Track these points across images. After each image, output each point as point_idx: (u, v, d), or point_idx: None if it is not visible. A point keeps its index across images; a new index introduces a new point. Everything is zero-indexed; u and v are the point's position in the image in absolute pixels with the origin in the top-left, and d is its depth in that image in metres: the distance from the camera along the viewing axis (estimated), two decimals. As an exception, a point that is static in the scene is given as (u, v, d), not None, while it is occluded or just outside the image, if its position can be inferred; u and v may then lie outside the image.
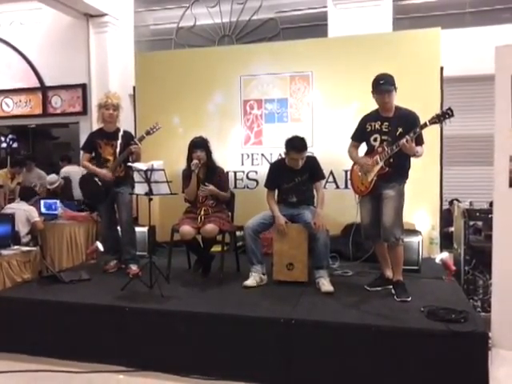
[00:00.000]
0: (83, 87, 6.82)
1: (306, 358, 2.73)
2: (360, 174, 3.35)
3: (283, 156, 3.71)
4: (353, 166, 3.47)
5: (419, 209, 4.38)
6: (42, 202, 5.37)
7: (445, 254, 3.79)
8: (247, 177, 4.96)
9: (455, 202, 4.52)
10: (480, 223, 4.06)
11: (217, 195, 3.78)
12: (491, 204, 3.84)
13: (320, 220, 3.46)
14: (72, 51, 6.78)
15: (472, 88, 5.52)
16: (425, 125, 3.04)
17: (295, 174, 3.63)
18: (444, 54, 4.39)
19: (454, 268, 3.66)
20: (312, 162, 3.70)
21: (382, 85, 3.14)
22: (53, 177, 6.00)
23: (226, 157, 4.84)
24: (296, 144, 3.53)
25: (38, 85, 7.08)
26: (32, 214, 4.69)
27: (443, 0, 5.72)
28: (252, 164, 4.96)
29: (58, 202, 5.31)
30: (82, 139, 4.23)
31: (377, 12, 5.67)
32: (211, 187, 3.72)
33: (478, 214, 3.83)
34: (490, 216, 3.35)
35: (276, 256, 3.59)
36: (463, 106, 5.12)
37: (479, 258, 3.72)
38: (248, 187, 4.94)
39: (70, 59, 6.78)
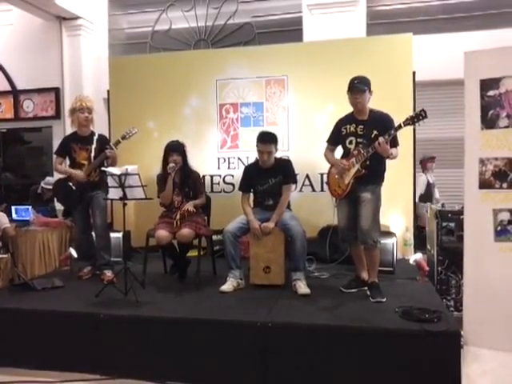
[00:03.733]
0: (56, 91, 6.69)
1: (283, 361, 2.73)
2: (337, 176, 3.38)
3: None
4: (330, 170, 3.50)
5: (393, 211, 4.44)
6: (13, 208, 5.25)
7: (418, 255, 3.86)
8: (224, 181, 4.95)
9: (428, 204, 4.61)
10: (452, 224, 4.15)
11: (196, 206, 3.75)
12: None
13: (266, 226, 3.49)
14: (44, 54, 6.63)
15: (442, 92, 5.65)
16: (399, 126, 3.09)
17: (268, 176, 3.65)
18: (416, 59, 4.48)
19: (427, 269, 3.73)
20: (285, 165, 3.72)
21: (356, 84, 3.20)
22: (52, 179, 5.91)
23: (202, 161, 4.83)
24: (262, 136, 3.63)
25: (9, 88, 6.91)
26: (2, 220, 4.57)
27: (415, 7, 5.84)
28: (228, 168, 4.96)
29: (29, 207, 5.19)
30: (55, 144, 4.15)
31: (351, 17, 5.74)
32: (189, 205, 3.68)
33: (450, 215, 3.91)
34: (461, 217, 3.43)
35: (253, 259, 3.59)
36: (434, 110, 5.22)
37: (452, 258, 3.80)
38: (225, 191, 4.94)
39: (42, 62, 6.63)
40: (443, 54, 5.23)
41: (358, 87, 3.19)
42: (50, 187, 5.83)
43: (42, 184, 5.91)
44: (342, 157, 3.39)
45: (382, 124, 3.18)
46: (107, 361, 2.95)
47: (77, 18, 6.52)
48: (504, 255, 2.91)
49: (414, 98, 4.46)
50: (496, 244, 2.94)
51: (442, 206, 4.10)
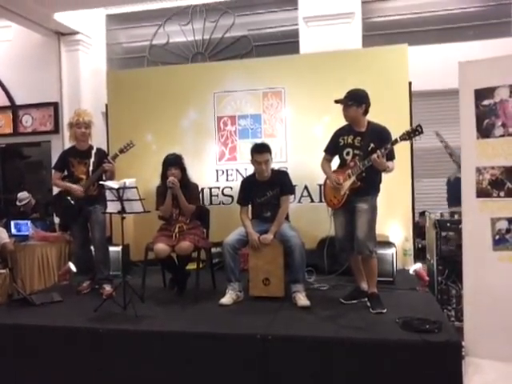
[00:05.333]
0: (55, 105, 6.72)
1: (283, 374, 2.71)
2: (333, 187, 3.40)
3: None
4: (326, 180, 3.52)
5: (392, 221, 4.44)
6: (13, 222, 5.25)
7: (418, 265, 3.85)
8: (222, 193, 4.96)
9: (426, 213, 4.60)
10: (452, 233, 4.14)
11: (179, 197, 3.67)
12: (452, 214, 3.97)
13: (265, 238, 3.49)
14: (43, 69, 6.67)
15: (439, 102, 5.68)
16: (395, 141, 3.12)
17: (267, 188, 3.66)
18: (411, 69, 4.51)
19: (427, 279, 3.72)
20: (282, 176, 3.73)
21: (344, 98, 3.27)
22: (23, 194, 5.89)
23: (200, 173, 4.82)
24: (257, 146, 3.65)
25: (8, 103, 6.95)
26: (1, 235, 4.57)
27: (410, 18, 5.90)
28: (227, 180, 4.96)
29: (28, 222, 5.19)
30: (54, 158, 4.16)
31: (347, 29, 5.79)
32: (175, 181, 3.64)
33: (448, 224, 3.91)
34: (460, 226, 3.42)
35: (252, 271, 3.58)
36: (431, 120, 5.25)
37: (452, 268, 3.79)
38: (223, 203, 4.93)
39: (41, 77, 6.67)
40: (439, 64, 5.27)
41: (343, 102, 3.27)
42: (25, 202, 5.83)
43: (17, 202, 5.89)
44: (339, 167, 3.41)
45: (379, 137, 3.21)
46: (106, 375, 2.92)
47: (75, 33, 6.57)
48: (503, 264, 2.90)
49: (411, 108, 4.48)
50: (495, 253, 2.94)
51: (441, 215, 4.10)
